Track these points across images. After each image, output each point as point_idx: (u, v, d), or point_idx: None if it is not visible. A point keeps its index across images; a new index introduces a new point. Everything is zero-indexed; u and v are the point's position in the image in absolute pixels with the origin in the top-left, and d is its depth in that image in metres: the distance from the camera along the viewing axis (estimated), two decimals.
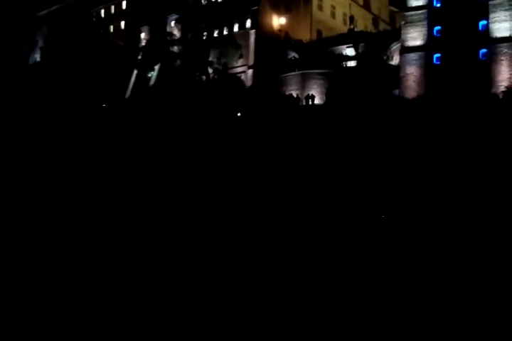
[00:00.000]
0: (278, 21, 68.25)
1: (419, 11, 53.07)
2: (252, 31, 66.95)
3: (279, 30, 67.75)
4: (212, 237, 33.13)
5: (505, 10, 49.19)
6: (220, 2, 70.98)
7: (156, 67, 73.10)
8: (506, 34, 48.77)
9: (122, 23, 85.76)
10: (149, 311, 23.32)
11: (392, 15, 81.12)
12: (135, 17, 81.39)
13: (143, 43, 77.55)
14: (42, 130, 59.48)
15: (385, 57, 57.67)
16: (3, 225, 35.36)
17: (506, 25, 48.94)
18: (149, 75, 73.64)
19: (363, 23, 74.87)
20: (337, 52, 60.89)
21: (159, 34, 74.22)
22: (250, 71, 65.59)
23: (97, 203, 40.79)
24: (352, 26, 69.09)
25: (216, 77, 66.37)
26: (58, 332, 21.48)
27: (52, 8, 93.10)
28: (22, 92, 69.36)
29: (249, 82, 64.93)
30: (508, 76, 47.98)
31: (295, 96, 57.30)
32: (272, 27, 67.88)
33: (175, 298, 24.69)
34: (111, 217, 37.67)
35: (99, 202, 40.90)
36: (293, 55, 64.58)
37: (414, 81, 52.23)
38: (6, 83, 72.27)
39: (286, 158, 44.36)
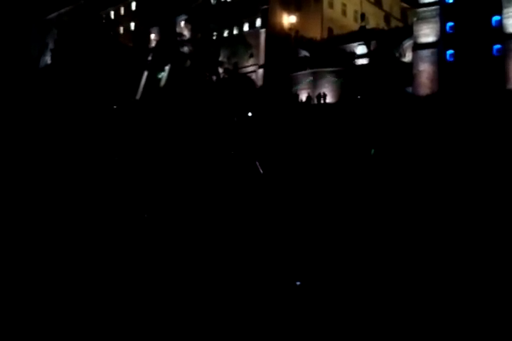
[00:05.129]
0: (288, 20, 67.84)
1: (432, 7, 52.46)
2: (263, 30, 66.56)
3: (290, 29, 67.32)
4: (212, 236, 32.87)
5: None
6: (229, 2, 70.71)
7: (167, 68, 72.98)
8: None
9: (132, 25, 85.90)
10: (149, 311, 23.04)
11: (403, 12, 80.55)
12: (145, 18, 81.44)
13: (153, 44, 77.60)
14: (53, 132, 59.46)
15: (397, 55, 57.05)
16: (3, 225, 35.26)
17: None
18: (160, 76, 73.57)
19: (375, 20, 74.28)
20: (348, 50, 60.38)
21: (169, 35, 74.12)
22: (261, 70, 65.26)
23: (108, 205, 40.64)
24: (363, 24, 68.33)
25: (227, 76, 66.13)
26: (58, 332, 21.24)
27: (62, 11, 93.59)
28: (33, 95, 69.47)
29: (260, 82, 64.63)
30: None
31: (306, 95, 56.94)
32: (282, 26, 67.47)
33: (174, 298, 24.40)
34: (120, 219, 37.51)
35: (110, 204, 40.74)
36: (304, 53, 64.11)
37: (427, 78, 51.59)
38: (17, 86, 72.43)
39: (296, 157, 43.98)
